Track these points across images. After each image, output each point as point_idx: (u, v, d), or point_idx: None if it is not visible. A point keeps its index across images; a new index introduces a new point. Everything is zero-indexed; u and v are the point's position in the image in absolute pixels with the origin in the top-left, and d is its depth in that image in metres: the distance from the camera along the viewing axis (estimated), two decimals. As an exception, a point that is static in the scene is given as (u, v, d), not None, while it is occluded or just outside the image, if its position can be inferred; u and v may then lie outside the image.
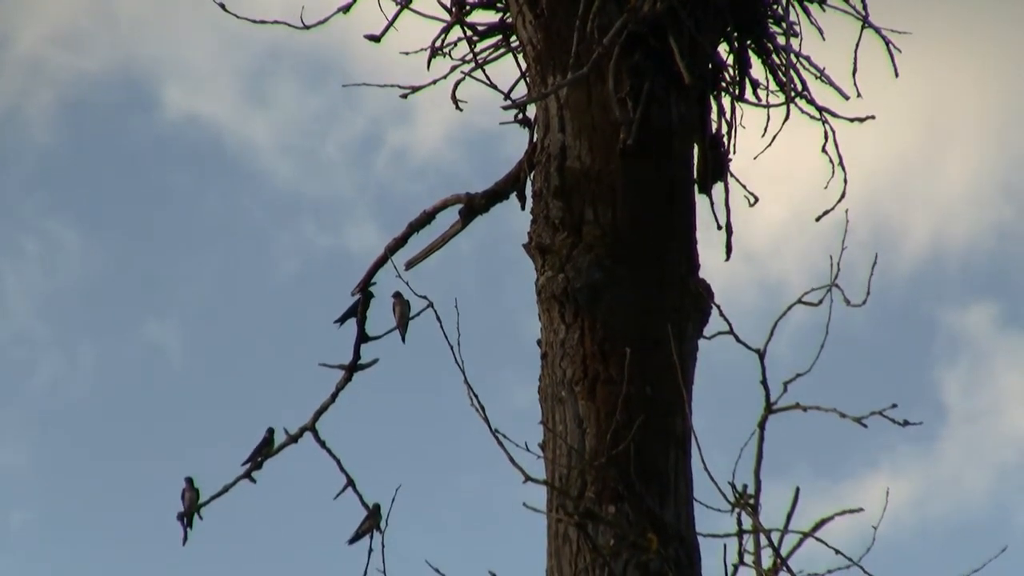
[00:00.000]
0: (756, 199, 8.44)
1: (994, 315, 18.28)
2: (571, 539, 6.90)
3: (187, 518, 9.01)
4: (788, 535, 6.24)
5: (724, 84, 8.29)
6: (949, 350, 18.22)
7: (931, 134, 18.44)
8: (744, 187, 8.42)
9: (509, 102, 8.61)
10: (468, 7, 8.72)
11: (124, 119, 18.42)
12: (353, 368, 8.83)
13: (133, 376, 17.75)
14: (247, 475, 9.00)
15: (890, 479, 17.13)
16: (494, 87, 8.74)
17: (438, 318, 6.67)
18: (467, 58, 8.77)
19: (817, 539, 6.25)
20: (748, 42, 8.38)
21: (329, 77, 17.36)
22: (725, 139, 8.17)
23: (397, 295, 8.81)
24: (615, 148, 7.43)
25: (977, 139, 18.81)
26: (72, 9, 19.19)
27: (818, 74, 8.44)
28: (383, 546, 8.44)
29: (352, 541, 8.86)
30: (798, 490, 6.26)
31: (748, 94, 8.41)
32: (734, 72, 8.36)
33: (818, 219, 8.34)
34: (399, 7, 8.71)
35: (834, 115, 8.45)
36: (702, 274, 7.49)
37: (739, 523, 6.29)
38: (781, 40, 8.44)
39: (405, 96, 8.87)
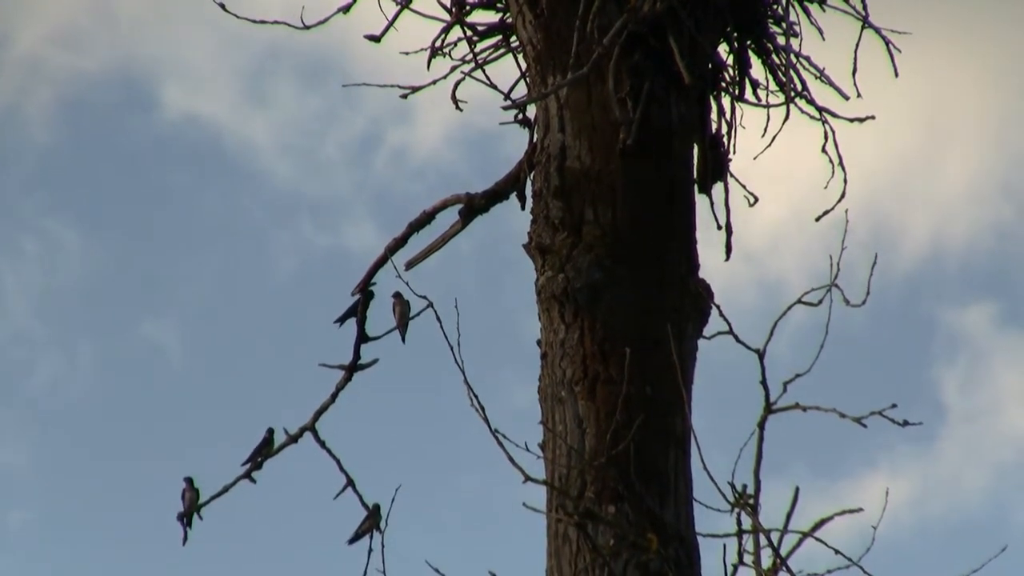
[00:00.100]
0: (756, 199, 8.44)
1: (993, 315, 18.29)
2: (571, 539, 6.89)
3: (187, 518, 9.01)
4: (788, 535, 6.24)
5: (724, 84, 8.28)
6: (948, 350, 18.23)
7: (931, 134, 18.44)
8: (744, 187, 8.42)
9: (509, 102, 8.61)
10: (468, 7, 8.71)
11: (123, 119, 18.43)
12: (353, 368, 8.82)
13: (132, 376, 17.75)
14: (247, 475, 9.00)
15: (889, 479, 17.13)
16: (494, 87, 8.74)
17: (438, 318, 6.67)
18: (467, 58, 8.77)
19: (817, 539, 6.24)
20: (748, 42, 8.37)
21: (329, 77, 17.36)
22: (725, 139, 8.17)
23: (397, 295, 8.81)
24: (615, 148, 7.43)
25: (977, 139, 18.81)
26: (71, 9, 19.20)
27: (818, 74, 8.44)
28: (383, 546, 8.44)
29: (352, 541, 8.85)
30: (798, 490, 6.26)
31: (748, 94, 8.41)
32: (734, 72, 8.36)
33: (818, 219, 8.34)
34: (399, 7, 8.70)
35: (834, 115, 8.45)
36: (702, 274, 7.49)
37: (739, 523, 6.29)
38: (781, 40, 8.44)
39: (405, 96, 8.87)
